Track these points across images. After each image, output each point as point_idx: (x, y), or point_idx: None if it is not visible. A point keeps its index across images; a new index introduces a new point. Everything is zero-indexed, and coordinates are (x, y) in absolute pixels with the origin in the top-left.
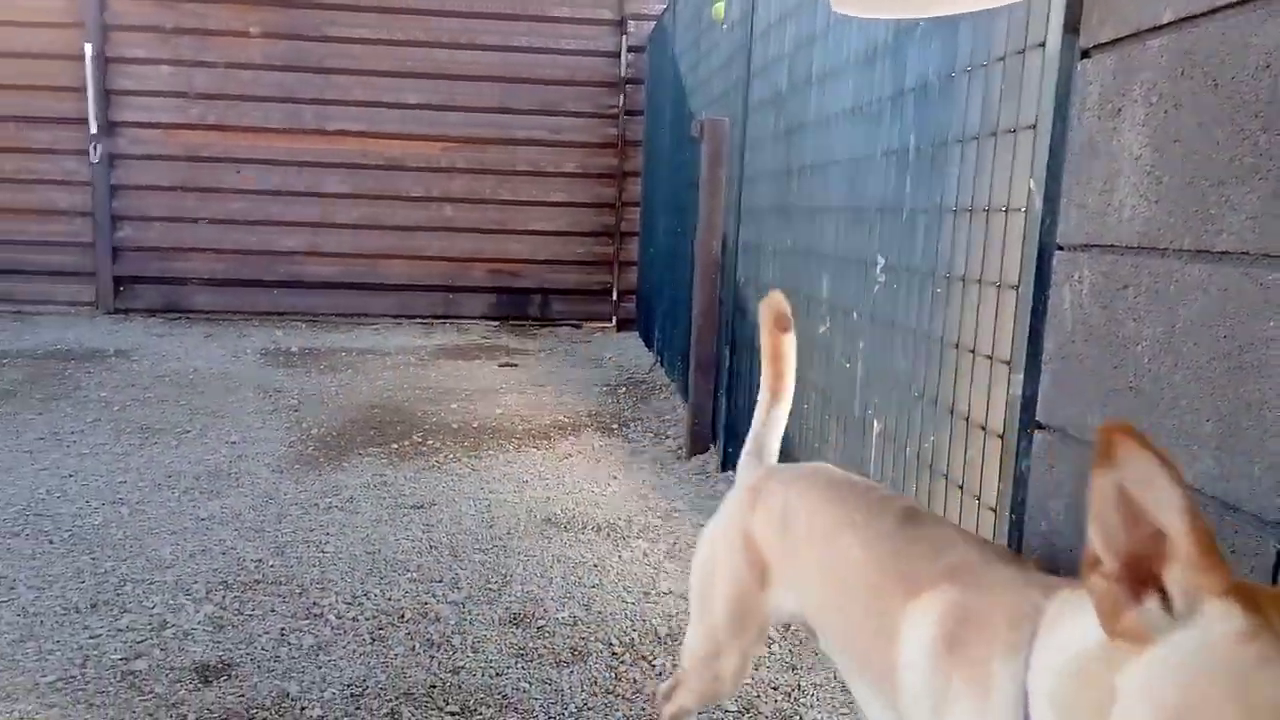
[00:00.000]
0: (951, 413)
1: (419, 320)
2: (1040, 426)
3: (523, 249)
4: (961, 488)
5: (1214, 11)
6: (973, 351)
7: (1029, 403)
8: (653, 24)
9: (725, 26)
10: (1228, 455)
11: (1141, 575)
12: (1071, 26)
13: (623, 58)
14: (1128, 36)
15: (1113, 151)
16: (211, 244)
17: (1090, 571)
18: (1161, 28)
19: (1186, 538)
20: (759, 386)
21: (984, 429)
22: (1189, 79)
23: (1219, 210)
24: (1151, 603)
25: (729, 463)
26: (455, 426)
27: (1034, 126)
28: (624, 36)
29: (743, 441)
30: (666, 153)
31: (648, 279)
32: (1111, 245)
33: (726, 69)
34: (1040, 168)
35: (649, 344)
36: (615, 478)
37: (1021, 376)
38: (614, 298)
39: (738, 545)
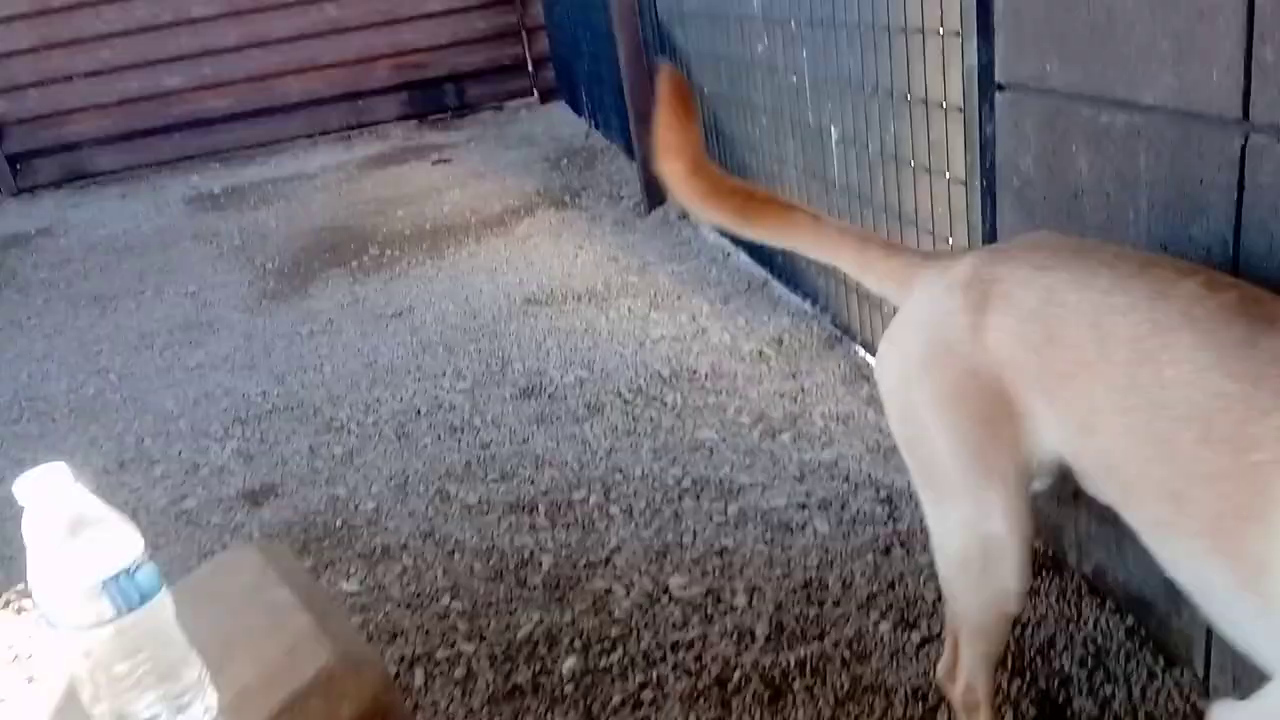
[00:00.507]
0: (909, 97)
1: (335, 135)
2: (1001, 88)
3: (422, 36)
4: (929, 170)
5: None
6: (921, 30)
7: (986, 68)
8: None
9: None
10: (1186, 67)
11: None
12: None
13: None
14: None
15: None
16: (93, 100)
17: None
18: None
19: None
20: (704, 127)
21: (943, 106)
22: None
23: None
24: None
25: None
26: (408, 233)
27: None
28: None
29: None
30: None
31: (562, 41)
32: None
33: None
34: None
35: (578, 110)
36: (581, 247)
37: (975, 43)
38: (530, 69)
39: (959, 365)
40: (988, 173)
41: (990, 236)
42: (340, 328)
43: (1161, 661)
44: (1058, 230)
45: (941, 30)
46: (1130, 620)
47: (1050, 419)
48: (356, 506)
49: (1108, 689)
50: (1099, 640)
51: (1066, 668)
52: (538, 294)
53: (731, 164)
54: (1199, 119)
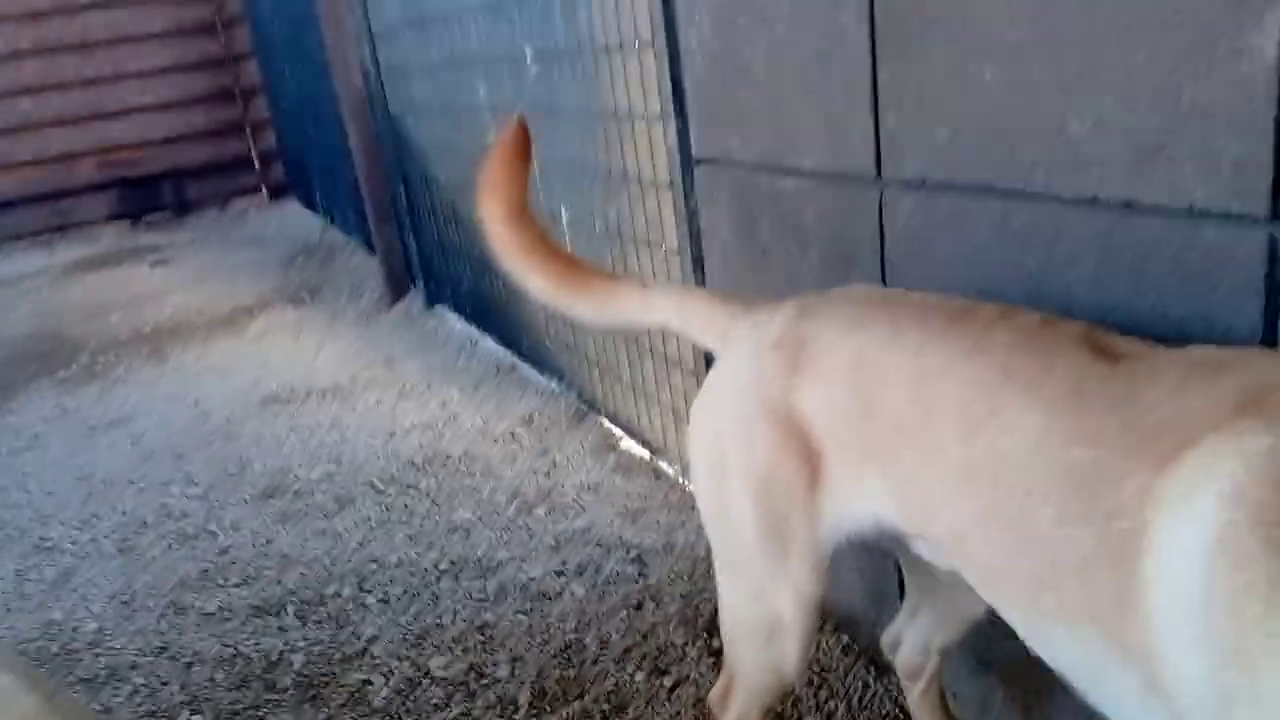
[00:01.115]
0: (625, 178)
1: (32, 240)
2: (698, 163)
3: (133, 132)
4: (649, 242)
5: None
6: (630, 115)
7: (685, 145)
8: None
9: None
10: (835, 136)
11: None
12: None
13: None
14: None
15: None
16: None
17: None
18: None
19: None
20: (443, 216)
21: (655, 184)
22: None
23: None
24: None
25: (434, 298)
26: (125, 338)
27: None
28: None
29: (443, 275)
30: None
31: (291, 137)
32: None
33: None
34: None
35: (312, 207)
36: (322, 344)
37: (674, 124)
38: (257, 166)
39: (768, 436)
40: (695, 241)
41: None
42: (48, 443)
43: (873, 671)
44: (752, 286)
45: (646, 113)
46: (845, 638)
47: (881, 499)
48: (75, 629)
49: (832, 704)
50: (821, 659)
51: (797, 689)
52: (277, 392)
53: (475, 251)
54: (847, 179)
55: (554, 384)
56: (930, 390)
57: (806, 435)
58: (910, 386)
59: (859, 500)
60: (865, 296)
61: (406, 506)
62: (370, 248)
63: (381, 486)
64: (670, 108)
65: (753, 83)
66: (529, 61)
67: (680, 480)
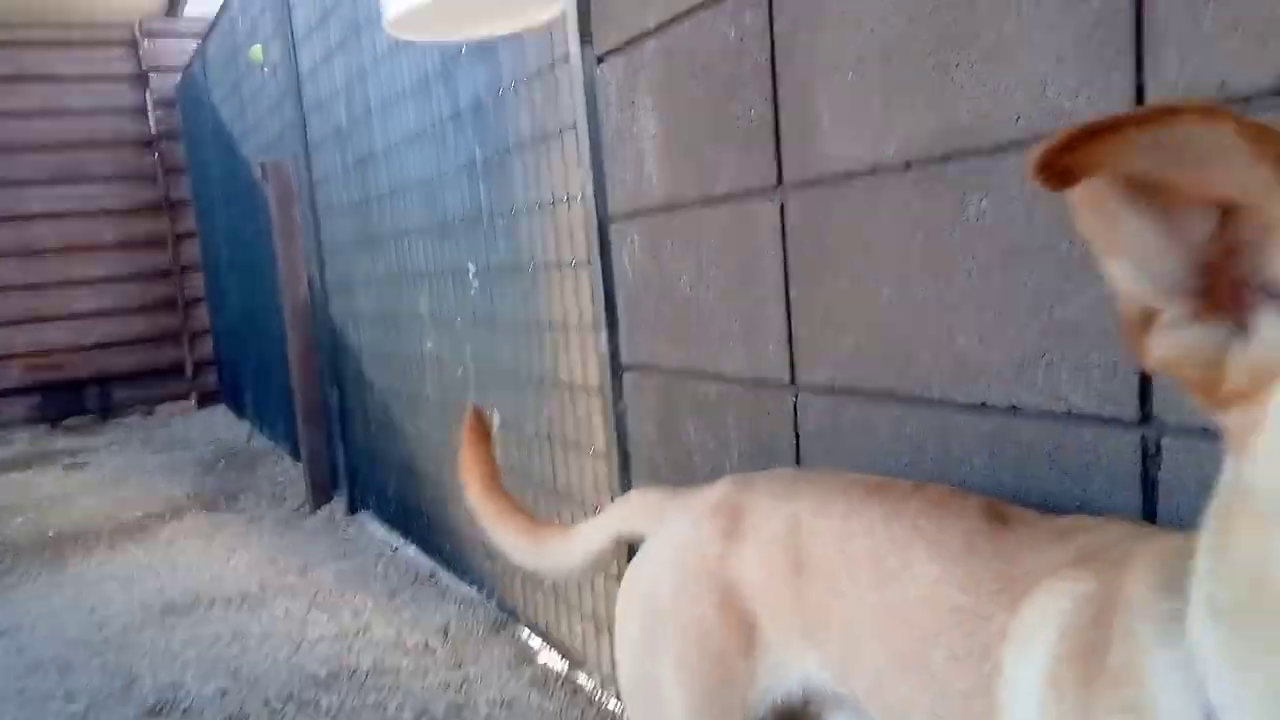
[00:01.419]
0: (558, 384)
1: None
2: (627, 369)
3: (66, 336)
4: (577, 446)
5: (683, 15)
6: (564, 325)
7: (615, 353)
8: (179, 75)
9: (266, 70)
10: (753, 345)
11: (1220, 291)
12: (586, 39)
13: (150, 113)
14: (628, 42)
15: (635, 135)
16: None
17: (1144, 337)
18: (651, 32)
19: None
20: (375, 421)
21: (586, 389)
22: (676, 70)
23: (713, 165)
24: (1267, 317)
25: (358, 505)
26: (25, 543)
27: (574, 126)
28: (147, 91)
29: (368, 481)
30: (223, 206)
31: (227, 345)
32: (648, 209)
33: (278, 110)
34: (585, 159)
35: (240, 414)
36: (235, 550)
37: (605, 334)
38: (189, 373)
39: (706, 600)
40: (621, 444)
41: None
42: None
43: None
44: (676, 485)
45: (580, 324)
46: None
47: (809, 653)
48: None
49: None
50: None
51: None
52: (180, 601)
53: (403, 455)
54: (764, 384)
55: (474, 591)
56: (854, 549)
57: (742, 602)
58: (837, 546)
59: (789, 663)
60: (794, 474)
61: None
62: (296, 454)
63: (278, 705)
64: (603, 319)
65: (679, 297)
66: (471, 276)
67: (598, 695)
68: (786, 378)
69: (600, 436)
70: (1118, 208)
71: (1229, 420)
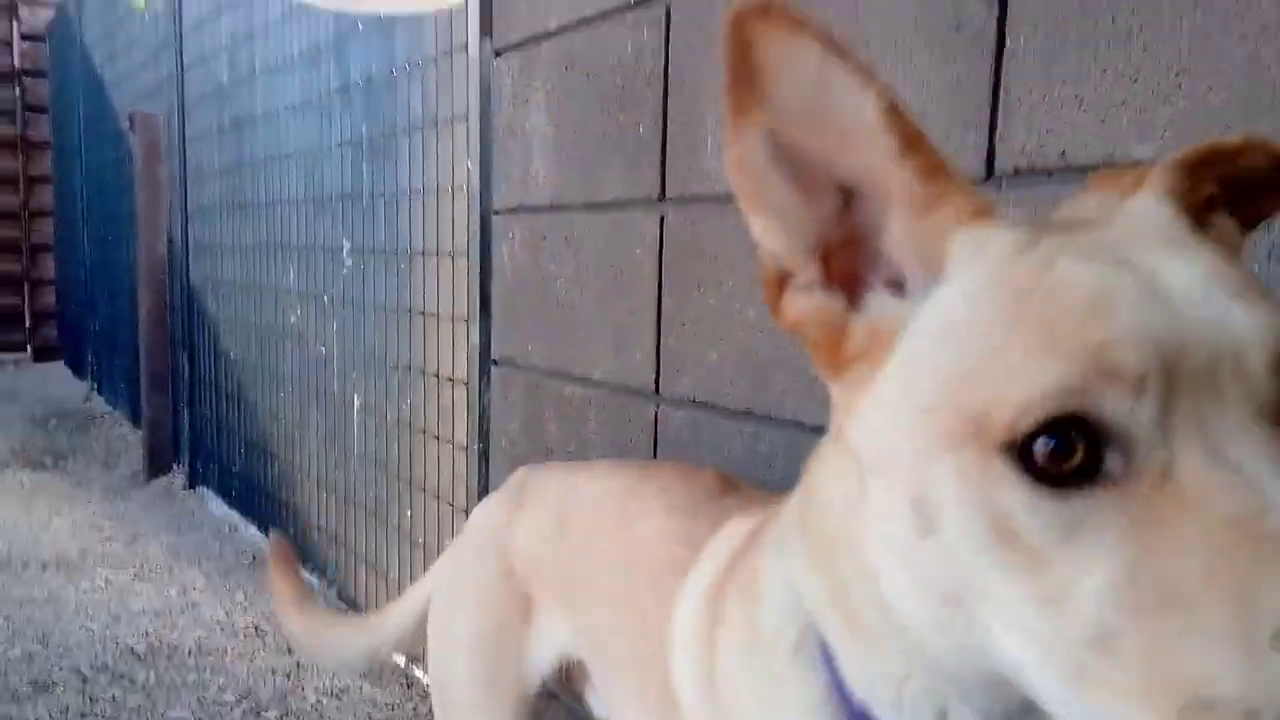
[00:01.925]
0: (424, 372)
1: None
2: (495, 364)
3: None
4: (438, 436)
5: (583, 22)
6: (436, 314)
7: (485, 347)
8: (53, 10)
9: (147, 17)
10: (622, 351)
11: (847, 263)
12: (486, 31)
13: (15, 47)
14: (527, 40)
15: (526, 133)
16: None
17: (780, 296)
18: (551, 34)
19: (900, 167)
20: (225, 393)
21: (451, 380)
22: (572, 74)
23: (599, 172)
24: (878, 293)
25: (198, 479)
26: None
27: (466, 117)
28: (15, 23)
29: (212, 454)
30: (86, 154)
31: (73, 298)
32: (532, 207)
33: (155, 62)
34: (474, 150)
35: (80, 372)
36: (58, 513)
37: (477, 326)
38: (28, 323)
39: (491, 569)
40: (484, 437)
41: (483, 495)
42: None
43: None
44: None
45: (452, 314)
46: None
47: (562, 622)
48: None
49: None
50: None
51: None
52: None
53: (252, 431)
54: (629, 391)
55: (314, 579)
56: (605, 506)
57: (520, 569)
58: (593, 505)
59: (551, 630)
60: (601, 461)
61: (114, 699)
62: (136, 420)
63: (89, 674)
64: (476, 311)
65: (555, 297)
66: (345, 254)
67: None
68: (651, 387)
69: (462, 429)
70: (767, 167)
71: (842, 385)
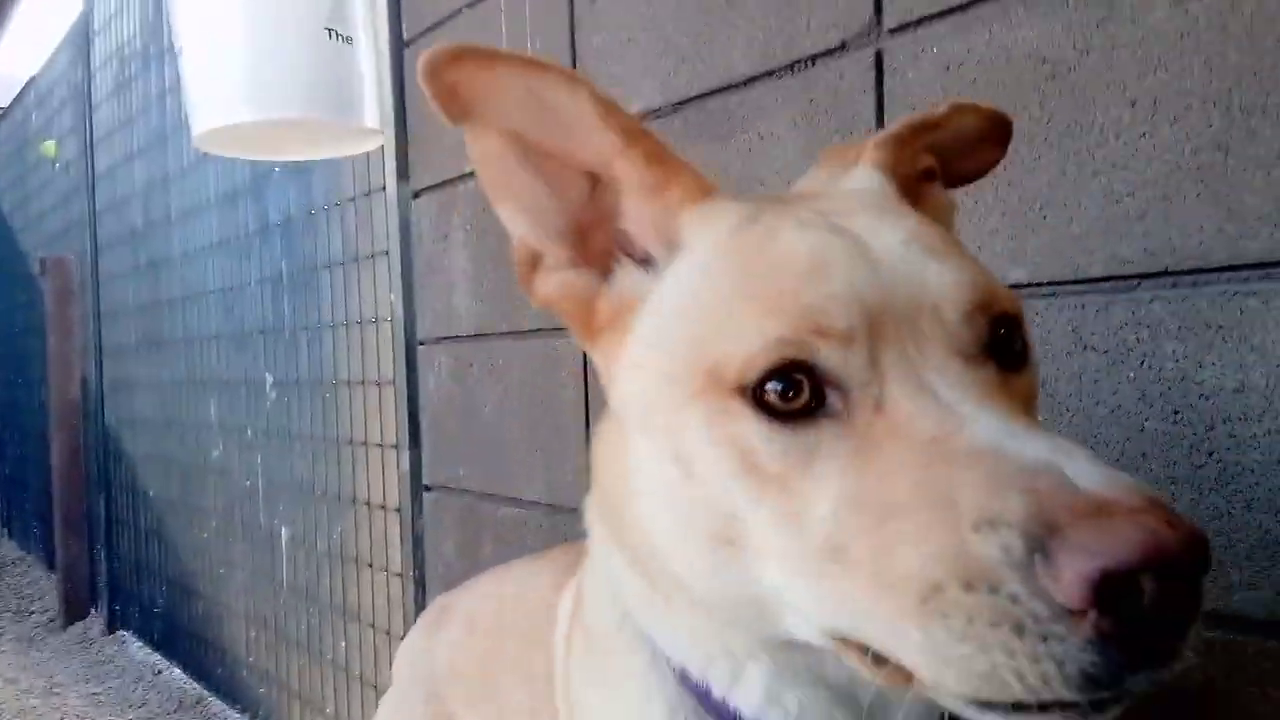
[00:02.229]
0: (354, 501)
1: None
2: (428, 489)
3: None
4: (371, 564)
5: None
6: (365, 443)
7: (416, 473)
8: None
9: (58, 165)
10: (552, 471)
11: (603, 242)
12: (403, 175)
13: None
14: (444, 182)
15: (447, 267)
16: None
17: (532, 277)
18: (467, 175)
19: (625, 157)
20: (145, 532)
21: (384, 507)
22: (490, 213)
23: (521, 302)
24: (626, 268)
25: (118, 622)
26: None
27: (387, 252)
28: None
29: (132, 596)
30: None
31: None
32: (457, 336)
33: (65, 206)
34: (397, 283)
35: None
36: None
37: (408, 453)
38: None
39: (414, 704)
40: (419, 563)
41: None
42: None
43: None
44: None
45: (381, 442)
46: None
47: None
48: None
49: None
50: None
51: None
52: None
53: (175, 570)
54: (562, 510)
55: (245, 719)
56: (506, 593)
57: (441, 690)
58: (497, 595)
59: None
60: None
61: None
62: (50, 564)
63: None
64: (406, 439)
65: (483, 423)
66: (268, 388)
67: None
68: (578, 501)
69: (396, 555)
70: (513, 163)
71: (600, 352)
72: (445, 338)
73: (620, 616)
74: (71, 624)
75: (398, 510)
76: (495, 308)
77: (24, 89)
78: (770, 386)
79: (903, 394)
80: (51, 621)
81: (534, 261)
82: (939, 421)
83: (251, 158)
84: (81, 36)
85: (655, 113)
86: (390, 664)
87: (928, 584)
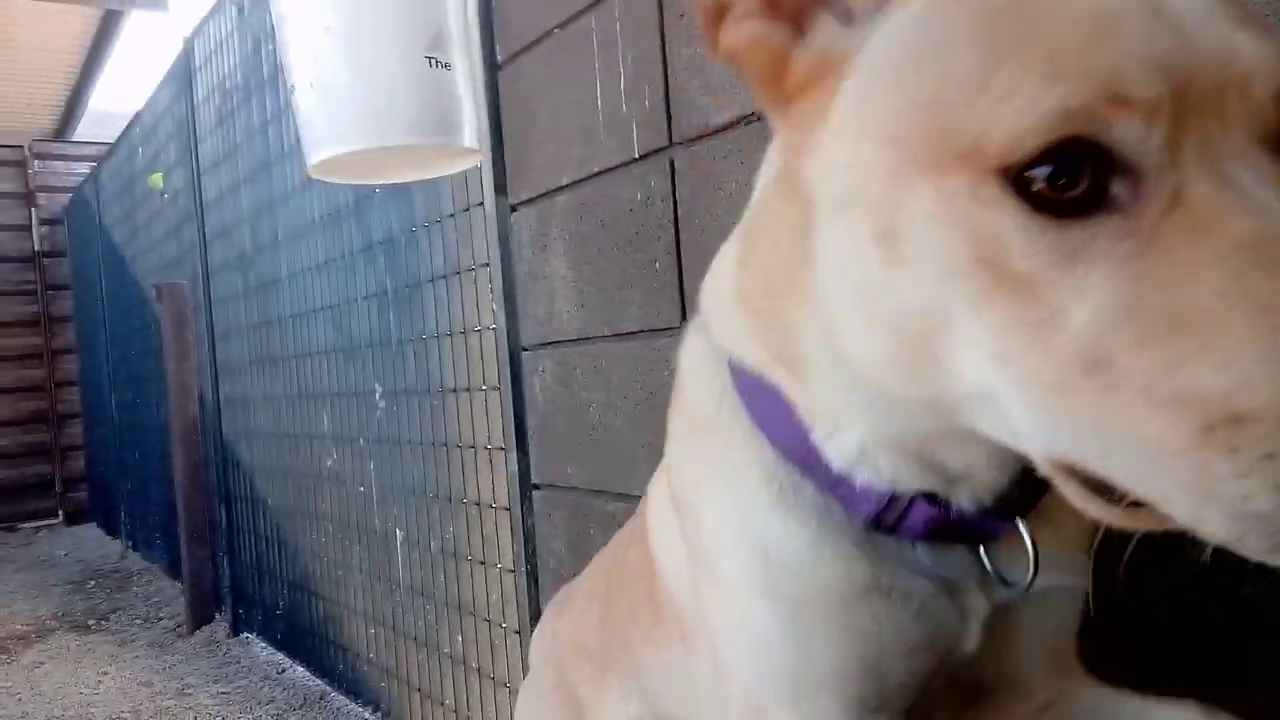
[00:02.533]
0: (464, 501)
1: None
2: (537, 488)
3: None
4: (484, 562)
5: (592, 176)
6: (474, 446)
7: (525, 472)
8: (68, 196)
9: (165, 196)
10: (657, 465)
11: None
12: (500, 190)
13: (34, 231)
14: (541, 195)
15: (547, 275)
16: None
17: (717, 28)
18: (564, 187)
19: None
20: (265, 539)
21: (494, 506)
22: (587, 221)
23: (621, 305)
24: (825, 22)
25: (242, 625)
26: None
27: (488, 264)
28: (33, 209)
29: (254, 600)
30: (109, 325)
31: (103, 461)
32: (559, 341)
33: (177, 235)
34: (499, 293)
35: (113, 532)
36: (106, 673)
37: (515, 455)
38: (58, 489)
39: (543, 687)
40: (530, 559)
41: (535, 616)
42: None
43: None
44: None
45: (489, 445)
46: None
47: (606, 688)
48: None
49: None
50: None
51: None
52: None
53: (294, 573)
54: None
55: (369, 713)
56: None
57: (571, 676)
58: (603, 567)
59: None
60: None
61: None
62: (172, 573)
63: None
64: (513, 441)
65: (589, 422)
66: (377, 397)
67: None
68: None
69: (508, 553)
70: None
71: (790, 121)
72: (548, 343)
73: (719, 392)
74: (198, 628)
75: (507, 509)
76: (596, 312)
77: (129, 125)
78: (1041, 171)
79: (1208, 186)
80: (179, 627)
81: (720, 9)
82: (1256, 221)
83: (361, 182)
84: (183, 72)
85: (747, 119)
86: (505, 656)
87: (1223, 412)
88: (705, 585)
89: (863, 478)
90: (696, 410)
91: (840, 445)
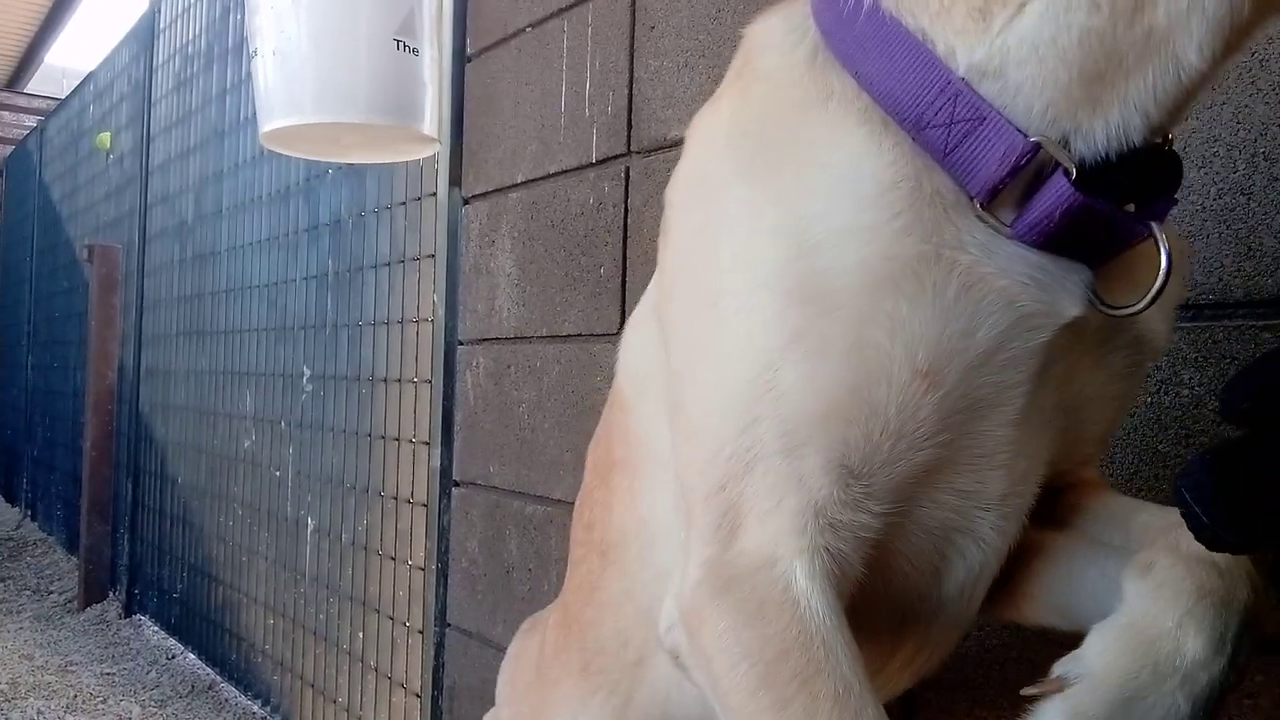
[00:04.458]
0: (382, 494)
1: None
2: (457, 484)
3: None
4: (394, 557)
5: (548, 176)
6: (398, 439)
7: (446, 469)
8: (10, 149)
9: (111, 157)
10: (580, 472)
11: None
12: (455, 181)
13: None
14: (495, 190)
15: (492, 271)
16: None
17: None
18: (518, 184)
19: None
20: (170, 518)
21: (410, 501)
22: (537, 221)
23: (562, 308)
24: None
25: (136, 606)
26: None
27: (434, 255)
28: None
29: (151, 581)
30: (33, 283)
31: (9, 425)
32: (496, 338)
33: (117, 197)
34: (441, 285)
35: (12, 499)
36: None
37: (440, 450)
38: None
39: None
40: (442, 557)
41: (441, 614)
42: None
43: None
44: (493, 602)
45: (414, 439)
46: None
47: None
48: None
49: None
50: None
51: None
52: None
53: (197, 556)
54: None
55: (257, 706)
56: None
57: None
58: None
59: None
60: None
61: None
62: (71, 547)
63: None
64: (439, 436)
65: (517, 422)
66: (305, 381)
67: None
68: None
69: (420, 549)
70: None
71: None
72: (485, 339)
73: (811, 50)
74: (89, 605)
75: (425, 505)
76: (536, 311)
77: (82, 83)
78: None
79: None
80: (70, 603)
81: None
82: None
83: (313, 158)
84: (146, 34)
85: None
86: (406, 655)
87: None
88: (701, 326)
89: (1005, 112)
90: (775, 75)
91: (999, 83)
